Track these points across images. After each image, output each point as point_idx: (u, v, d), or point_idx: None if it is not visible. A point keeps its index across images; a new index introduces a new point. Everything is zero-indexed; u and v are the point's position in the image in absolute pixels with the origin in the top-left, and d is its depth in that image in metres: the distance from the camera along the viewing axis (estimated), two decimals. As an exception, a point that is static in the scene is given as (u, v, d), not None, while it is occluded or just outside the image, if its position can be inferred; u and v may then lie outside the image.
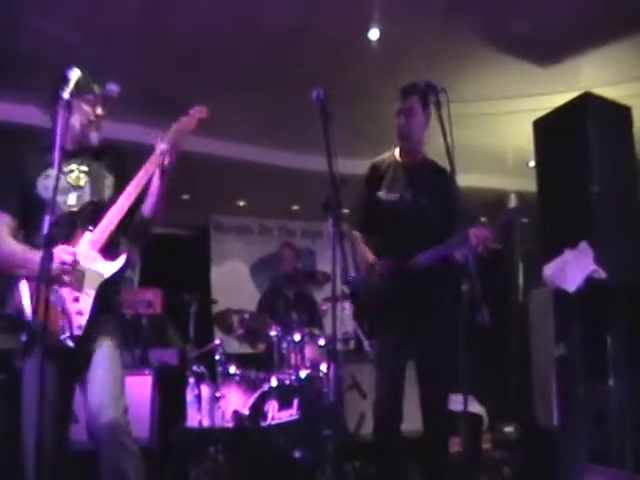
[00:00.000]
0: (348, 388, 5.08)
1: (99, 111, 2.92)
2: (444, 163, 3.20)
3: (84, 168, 2.90)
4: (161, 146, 2.85)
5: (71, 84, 2.63)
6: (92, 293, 2.68)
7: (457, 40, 5.54)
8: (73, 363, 2.66)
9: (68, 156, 2.79)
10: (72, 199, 2.81)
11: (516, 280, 7.78)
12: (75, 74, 2.67)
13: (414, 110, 3.56)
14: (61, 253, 2.63)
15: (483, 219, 3.43)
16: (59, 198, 2.71)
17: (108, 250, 2.77)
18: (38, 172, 2.81)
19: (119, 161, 3.02)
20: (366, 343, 5.32)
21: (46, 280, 2.41)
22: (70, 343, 2.59)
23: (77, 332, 2.61)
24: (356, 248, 3.58)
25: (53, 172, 2.53)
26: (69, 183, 2.83)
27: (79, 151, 2.91)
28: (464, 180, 3.20)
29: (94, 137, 2.93)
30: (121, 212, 2.78)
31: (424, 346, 3.42)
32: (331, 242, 2.94)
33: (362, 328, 5.21)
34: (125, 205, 2.78)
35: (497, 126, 7.22)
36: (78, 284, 2.68)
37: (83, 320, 2.63)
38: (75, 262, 2.66)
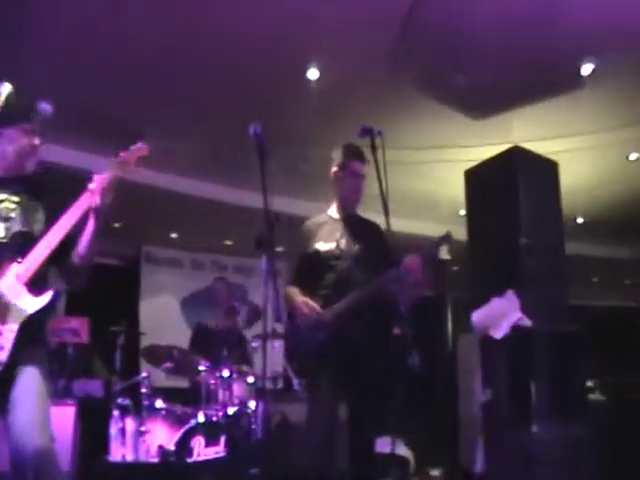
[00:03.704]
0: (277, 425, 5.05)
1: (36, 142, 2.81)
2: (376, 206, 3.20)
3: (15, 199, 2.77)
4: (91, 185, 2.72)
5: (1, 98, 2.51)
6: (15, 328, 2.58)
7: (396, 88, 5.66)
8: None
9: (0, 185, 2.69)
10: (1, 230, 2.70)
11: (445, 326, 7.94)
12: (6, 88, 2.55)
13: (366, 175, 3.56)
14: None
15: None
16: None
17: (35, 284, 2.65)
18: None
19: (54, 196, 2.88)
20: (295, 382, 5.32)
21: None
22: None
23: None
24: (290, 295, 3.49)
25: None
26: None
27: (12, 180, 2.79)
28: (396, 225, 3.20)
29: (29, 167, 2.83)
30: (50, 246, 2.66)
31: (356, 389, 3.38)
32: (263, 279, 2.90)
33: (292, 367, 5.21)
34: (54, 240, 2.66)
35: (431, 174, 7.41)
36: (2, 317, 2.58)
37: (4, 355, 2.53)
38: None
